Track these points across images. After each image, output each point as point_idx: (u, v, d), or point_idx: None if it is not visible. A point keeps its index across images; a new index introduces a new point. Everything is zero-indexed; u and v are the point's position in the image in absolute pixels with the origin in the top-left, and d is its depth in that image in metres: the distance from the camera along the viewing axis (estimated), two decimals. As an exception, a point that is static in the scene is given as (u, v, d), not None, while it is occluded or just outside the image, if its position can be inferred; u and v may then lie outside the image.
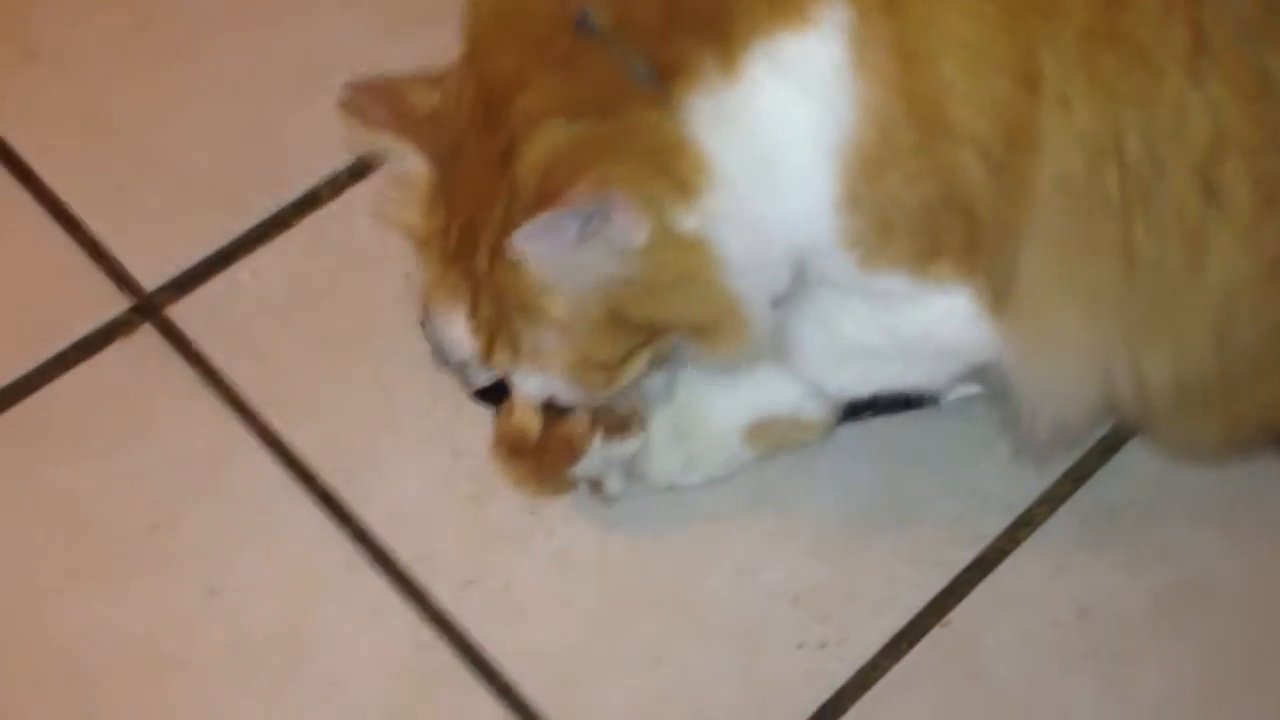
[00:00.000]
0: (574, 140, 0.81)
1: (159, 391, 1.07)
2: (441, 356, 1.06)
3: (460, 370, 1.06)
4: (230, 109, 1.19)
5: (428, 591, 1.01)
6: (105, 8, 1.22)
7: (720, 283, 0.85)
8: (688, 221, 0.82)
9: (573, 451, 0.98)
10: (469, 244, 0.86)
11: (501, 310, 0.87)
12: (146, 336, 1.09)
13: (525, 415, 0.99)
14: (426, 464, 1.05)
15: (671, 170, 0.82)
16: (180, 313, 1.10)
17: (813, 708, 0.97)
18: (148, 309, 1.10)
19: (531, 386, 0.92)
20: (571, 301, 0.85)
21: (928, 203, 0.84)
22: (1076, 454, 1.06)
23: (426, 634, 0.99)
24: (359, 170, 1.17)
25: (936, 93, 0.81)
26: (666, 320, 0.87)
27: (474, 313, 0.88)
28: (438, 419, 1.07)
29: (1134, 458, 1.06)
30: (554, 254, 0.82)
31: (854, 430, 1.07)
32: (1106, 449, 1.07)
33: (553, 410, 0.98)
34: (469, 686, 0.98)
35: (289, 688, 0.97)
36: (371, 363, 1.09)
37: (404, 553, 1.02)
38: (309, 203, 1.16)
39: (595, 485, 1.03)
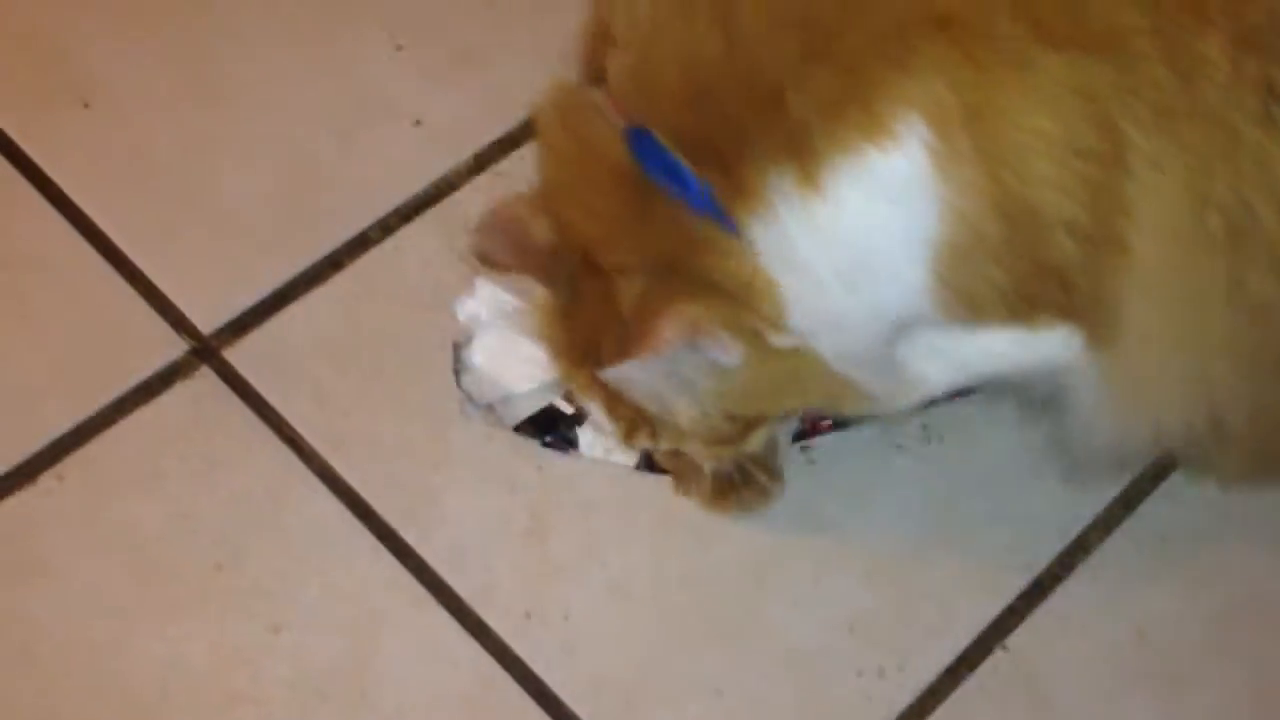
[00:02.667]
0: (654, 288, 0.87)
1: (219, 432, 1.09)
2: (472, 407, 1.07)
3: (489, 415, 1.08)
4: (282, 154, 1.21)
5: (489, 624, 1.02)
6: (158, 57, 1.24)
7: (826, 374, 0.91)
8: (780, 340, 0.88)
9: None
10: (595, 362, 0.92)
11: (638, 415, 0.96)
12: (205, 378, 1.11)
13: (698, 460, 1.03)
14: (483, 499, 1.06)
15: (755, 303, 0.87)
16: (237, 354, 1.12)
17: (873, 735, 0.98)
18: (206, 351, 1.12)
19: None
20: (691, 410, 0.94)
21: (1019, 277, 0.87)
22: (1126, 479, 1.07)
23: (489, 666, 1.00)
24: (408, 212, 1.19)
25: (1025, 189, 0.83)
26: (783, 411, 0.97)
27: (612, 410, 0.97)
28: (492, 455, 1.08)
29: (1184, 482, 1.07)
30: (649, 380, 0.91)
31: (905, 458, 1.08)
32: (1157, 474, 1.07)
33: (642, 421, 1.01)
34: (532, 717, 0.99)
35: (354, 722, 0.98)
36: (425, 401, 1.10)
37: (464, 587, 1.03)
38: (360, 244, 1.18)
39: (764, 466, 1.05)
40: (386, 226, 1.18)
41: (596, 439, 1.07)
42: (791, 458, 1.08)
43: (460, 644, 1.01)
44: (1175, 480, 1.07)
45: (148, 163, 1.20)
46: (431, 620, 1.02)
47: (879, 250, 0.86)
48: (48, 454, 1.07)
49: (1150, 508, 1.06)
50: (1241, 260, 0.86)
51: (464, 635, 1.02)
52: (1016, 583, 1.03)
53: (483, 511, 1.06)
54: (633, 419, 0.97)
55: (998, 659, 1.01)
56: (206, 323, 1.13)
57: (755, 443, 1.00)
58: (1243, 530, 1.05)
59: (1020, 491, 1.06)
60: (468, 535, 1.05)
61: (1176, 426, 0.94)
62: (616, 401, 0.96)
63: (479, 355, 1.07)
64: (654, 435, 0.98)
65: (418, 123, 1.22)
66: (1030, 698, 0.99)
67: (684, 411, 0.95)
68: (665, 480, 1.07)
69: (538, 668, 1.00)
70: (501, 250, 0.92)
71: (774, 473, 1.06)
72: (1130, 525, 1.05)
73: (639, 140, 0.86)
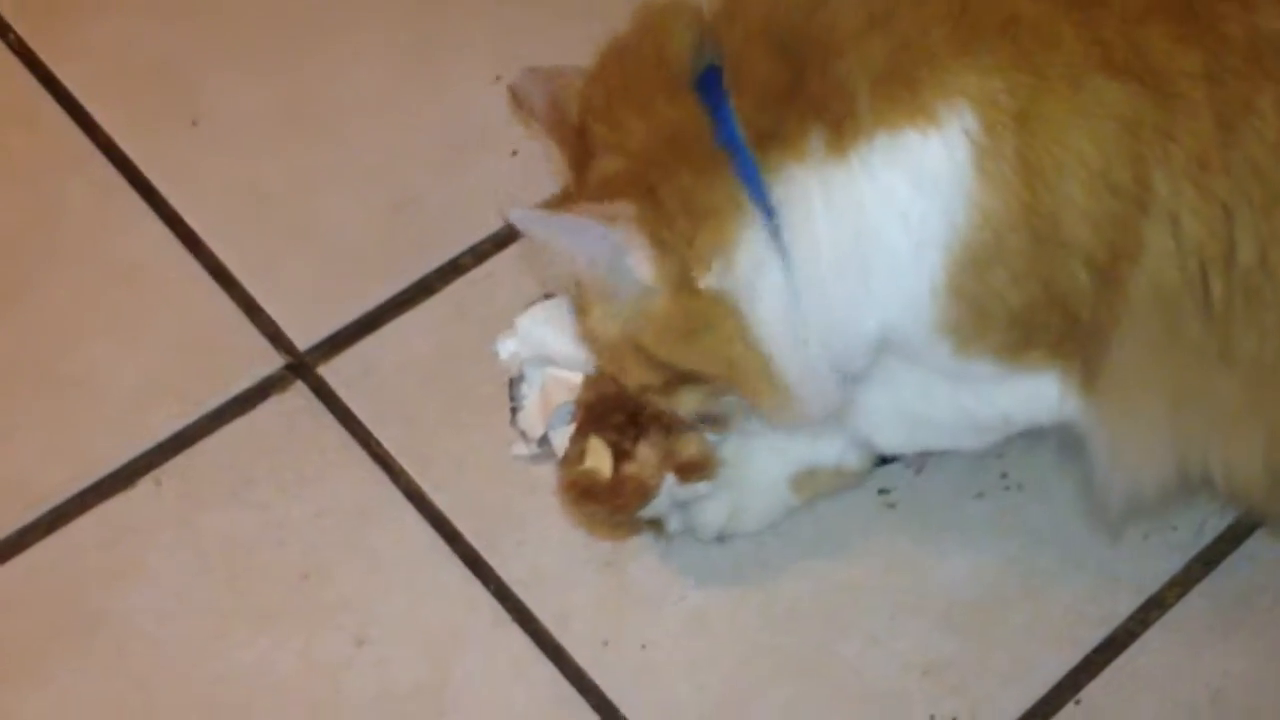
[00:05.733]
0: (624, 173, 0.86)
1: (310, 447, 1.11)
2: (521, 445, 1.08)
3: (544, 449, 1.07)
4: (379, 180, 1.24)
5: (566, 649, 1.03)
6: (265, 81, 1.28)
7: (747, 340, 0.88)
8: (703, 279, 0.86)
9: (645, 492, 1.00)
10: None
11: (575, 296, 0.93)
12: (299, 394, 1.14)
13: (596, 459, 1.01)
14: (566, 527, 1.08)
15: (697, 232, 0.86)
16: (331, 372, 1.15)
17: (944, 779, 0.99)
18: (301, 368, 1.15)
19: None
20: (604, 318, 0.90)
21: (1030, 301, 0.87)
22: (1208, 538, 1.07)
23: (566, 691, 1.02)
24: (501, 240, 1.21)
25: (1055, 207, 0.84)
26: (683, 365, 0.91)
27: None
28: (576, 482, 1.10)
29: (1265, 544, 1.07)
30: (563, 253, 0.88)
31: (984, 505, 1.09)
32: (1237, 535, 1.08)
33: (620, 455, 1.00)
34: (607, 744, 1.00)
35: (433, 738, 1.00)
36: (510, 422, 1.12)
37: (544, 611, 1.05)
38: (453, 270, 1.20)
39: (655, 524, 1.05)
40: (479, 253, 1.21)
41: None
42: (870, 500, 1.09)
43: (538, 667, 1.03)
44: (1256, 541, 1.07)
45: (251, 180, 1.23)
46: (511, 642, 1.04)
47: (890, 238, 0.85)
48: (146, 460, 1.10)
49: (1230, 567, 1.06)
50: (1235, 325, 0.86)
51: (542, 659, 1.03)
52: (1092, 636, 1.04)
53: (566, 539, 1.07)
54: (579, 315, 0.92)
55: (1070, 712, 1.01)
56: (303, 339, 1.16)
57: (683, 406, 0.94)
58: (1322, 595, 1.05)
59: (1098, 544, 1.06)
60: (550, 561, 1.07)
61: (1166, 472, 0.94)
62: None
63: (532, 390, 1.08)
64: (591, 343, 0.92)
65: (514, 153, 1.24)
66: (1102, 752, 1.00)
67: (598, 319, 0.90)
68: (746, 516, 1.09)
69: (614, 695, 1.02)
70: (538, 99, 0.92)
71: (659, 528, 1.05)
72: (1209, 584, 1.06)
73: (708, 72, 0.86)
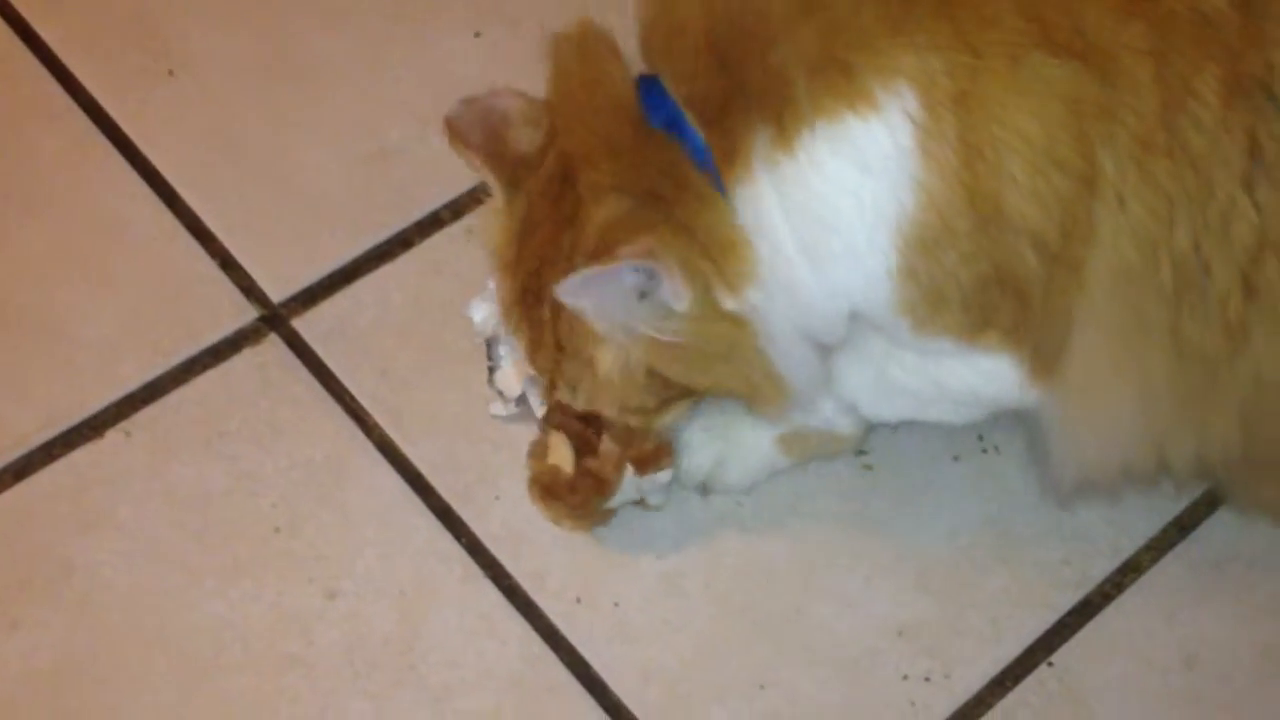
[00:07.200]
0: (634, 212, 0.86)
1: (283, 399, 1.10)
2: (499, 405, 1.08)
3: (521, 408, 1.08)
4: (358, 132, 1.23)
5: (539, 606, 1.03)
6: (245, 31, 1.26)
7: (760, 355, 0.90)
8: (729, 303, 0.87)
9: (604, 487, 1.01)
10: (534, 293, 0.91)
11: (559, 357, 0.93)
12: (273, 346, 1.13)
13: (557, 455, 1.02)
14: (540, 482, 1.07)
15: (719, 261, 0.86)
16: (305, 325, 1.14)
17: (916, 739, 0.99)
18: (275, 320, 1.14)
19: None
20: (618, 356, 0.91)
21: (981, 282, 0.87)
22: (1184, 503, 1.07)
23: (537, 647, 1.01)
24: (480, 195, 1.19)
25: (996, 187, 0.83)
26: (704, 386, 0.93)
27: (534, 354, 0.94)
28: (551, 439, 1.09)
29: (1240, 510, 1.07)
30: (597, 305, 0.88)
31: (961, 468, 1.08)
32: (1213, 500, 1.07)
33: (584, 448, 1.01)
34: (577, 700, 0.99)
35: (402, 693, 0.99)
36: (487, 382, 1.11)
37: (516, 568, 1.04)
38: (430, 225, 1.19)
39: (638, 501, 1.05)
40: (457, 208, 1.20)
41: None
42: (848, 462, 1.09)
43: (509, 623, 1.02)
44: (1230, 508, 1.07)
45: (228, 132, 1.22)
46: (482, 597, 1.03)
47: (846, 222, 0.85)
48: (116, 410, 1.09)
49: (1205, 533, 1.06)
50: (1184, 312, 0.86)
51: (514, 614, 1.02)
52: (1066, 599, 1.03)
53: (539, 494, 1.07)
54: (554, 372, 0.94)
55: (1043, 674, 1.01)
56: (277, 292, 1.15)
57: (666, 420, 0.97)
58: (1297, 562, 1.05)
59: (1074, 508, 1.06)
60: (523, 517, 1.06)
61: (1135, 459, 0.94)
62: (538, 347, 0.94)
63: (509, 350, 1.07)
64: (574, 391, 0.94)
65: (493, 109, 1.23)
66: (1074, 715, 0.99)
67: (607, 358, 0.91)
68: (722, 475, 1.08)
69: (585, 652, 1.01)
70: (475, 133, 0.91)
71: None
72: (1184, 549, 1.05)
73: (649, 88, 0.86)
